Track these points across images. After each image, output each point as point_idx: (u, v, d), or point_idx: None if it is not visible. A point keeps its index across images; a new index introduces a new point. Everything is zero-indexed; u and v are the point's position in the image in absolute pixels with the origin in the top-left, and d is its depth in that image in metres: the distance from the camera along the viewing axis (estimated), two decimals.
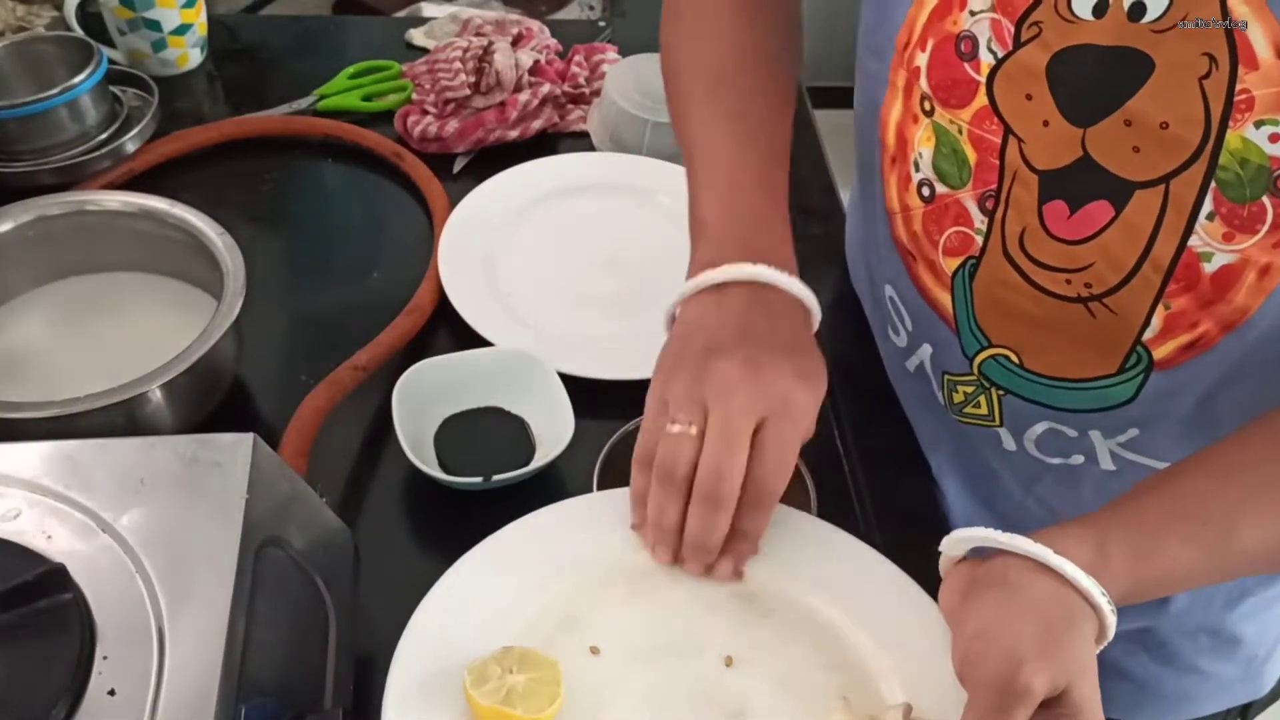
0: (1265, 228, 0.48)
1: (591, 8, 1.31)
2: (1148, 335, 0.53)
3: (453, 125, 0.91)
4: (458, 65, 0.94)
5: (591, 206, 0.88)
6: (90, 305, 0.73)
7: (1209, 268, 0.50)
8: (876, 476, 0.70)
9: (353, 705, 0.52)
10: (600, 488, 0.56)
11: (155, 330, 0.71)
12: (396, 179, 0.91)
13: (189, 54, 1.00)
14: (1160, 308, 0.52)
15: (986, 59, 0.52)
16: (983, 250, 0.57)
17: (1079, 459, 0.62)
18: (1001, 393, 0.62)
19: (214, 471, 0.46)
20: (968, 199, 0.57)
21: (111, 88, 0.87)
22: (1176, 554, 0.48)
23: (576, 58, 1.01)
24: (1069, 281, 0.54)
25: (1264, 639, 0.71)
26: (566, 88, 0.98)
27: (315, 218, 0.90)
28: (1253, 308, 0.50)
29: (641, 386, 0.70)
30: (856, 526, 0.67)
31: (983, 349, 0.61)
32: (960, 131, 0.55)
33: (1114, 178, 0.50)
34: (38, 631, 0.40)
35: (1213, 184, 0.48)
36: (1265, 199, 0.47)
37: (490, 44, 0.96)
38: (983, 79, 0.52)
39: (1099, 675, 0.67)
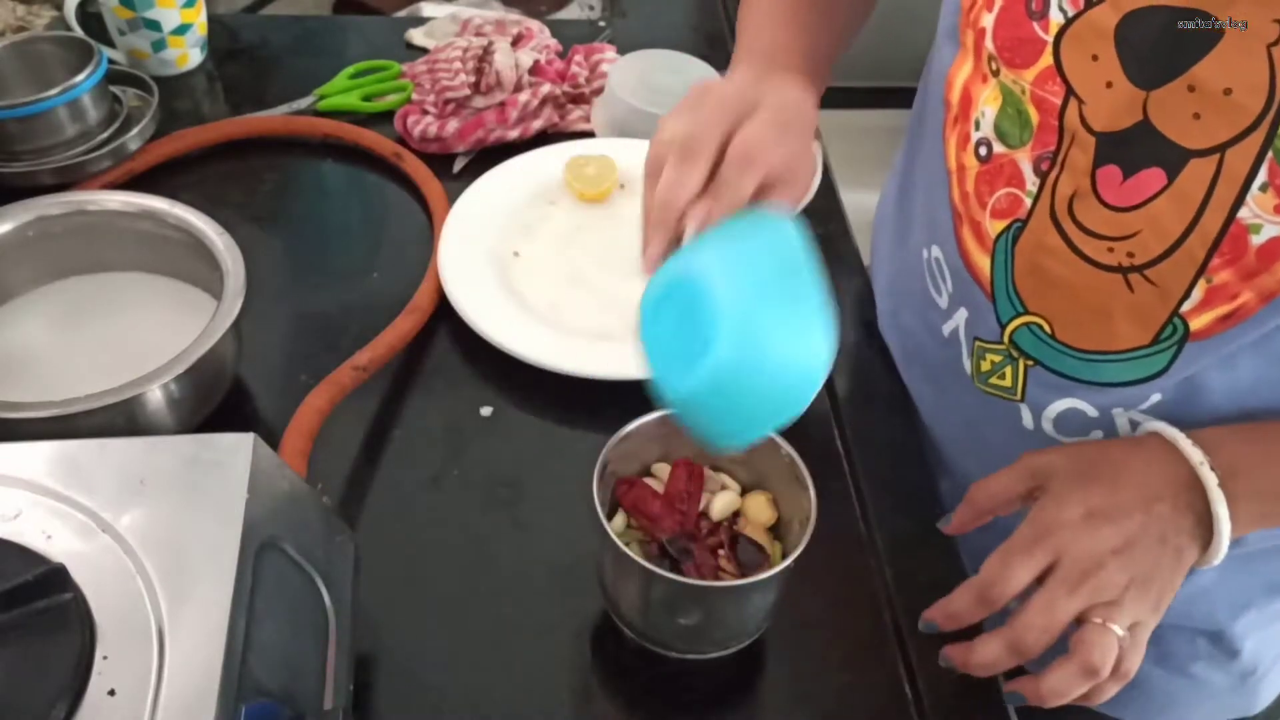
0: None
1: (591, 8, 1.31)
2: (1186, 307, 0.53)
3: (453, 125, 0.91)
4: (458, 65, 0.94)
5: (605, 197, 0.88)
6: (90, 305, 0.73)
7: (1256, 240, 0.49)
8: (876, 476, 0.70)
9: (353, 705, 0.52)
10: (599, 489, 0.55)
11: (155, 330, 0.71)
12: (396, 179, 0.91)
13: (189, 54, 1.00)
14: (1202, 281, 0.52)
15: (1056, 18, 0.52)
16: (1030, 213, 0.57)
17: (1097, 434, 0.62)
18: (1030, 363, 0.62)
19: (214, 471, 0.46)
20: (1024, 159, 0.57)
21: (111, 88, 0.87)
22: None
23: (576, 58, 1.01)
24: (1111, 250, 0.54)
25: (1262, 654, 0.71)
26: (566, 88, 0.98)
27: (315, 218, 0.90)
28: None
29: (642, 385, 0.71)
30: (856, 526, 0.67)
31: (1017, 315, 0.61)
32: (1024, 92, 0.55)
33: (1171, 144, 0.50)
34: (38, 631, 0.40)
35: (1269, 154, 0.47)
36: None
37: (490, 44, 0.96)
38: (1050, 38, 0.53)
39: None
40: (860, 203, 0.99)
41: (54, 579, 0.41)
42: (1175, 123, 0.50)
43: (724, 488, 0.61)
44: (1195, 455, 0.53)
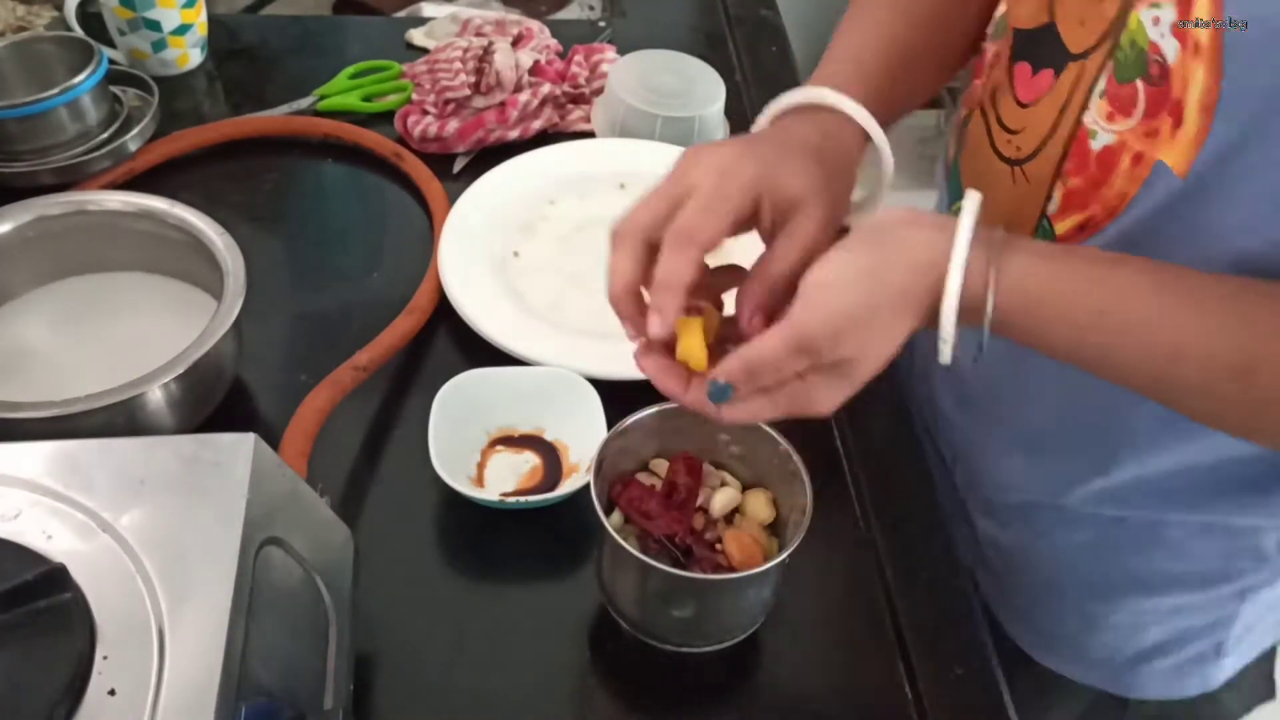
0: (1138, 113, 0.50)
1: (591, 8, 1.31)
2: (1051, 209, 0.56)
3: (453, 125, 0.91)
4: (458, 65, 0.94)
5: (593, 197, 0.88)
6: (90, 305, 0.73)
7: (1094, 145, 0.52)
8: (876, 476, 0.70)
9: (353, 705, 0.52)
10: (596, 483, 0.56)
11: (155, 330, 0.71)
12: (396, 179, 0.91)
13: (189, 54, 1.00)
14: (1059, 183, 0.55)
15: None
16: (979, 101, 0.62)
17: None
18: None
19: (214, 471, 0.46)
20: (993, 51, 0.61)
21: (111, 88, 0.87)
22: (1052, 325, 0.48)
23: (576, 58, 1.01)
24: (1009, 141, 0.58)
25: (1122, 648, 0.72)
26: (566, 88, 0.98)
27: (315, 218, 0.90)
28: (1129, 194, 0.51)
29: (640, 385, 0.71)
30: (856, 526, 0.67)
31: (953, 202, 0.65)
32: None
33: (1062, 46, 0.54)
34: (38, 631, 0.40)
35: (1111, 62, 0.50)
36: (1139, 83, 0.49)
37: (490, 44, 0.96)
38: None
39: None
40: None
41: (54, 579, 0.41)
42: (1069, 25, 0.53)
43: (724, 484, 0.61)
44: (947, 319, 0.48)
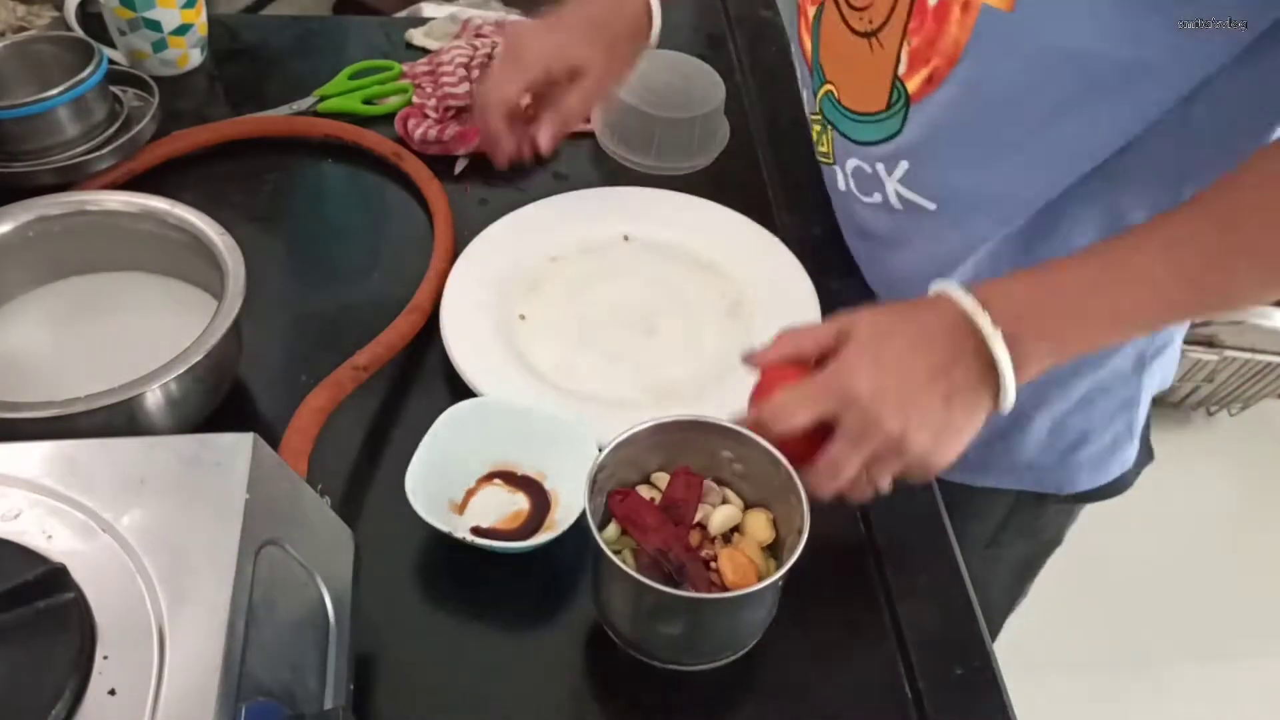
0: None
1: None
2: (901, 70, 0.64)
3: (452, 129, 0.91)
4: (462, 73, 0.94)
5: (596, 251, 0.85)
6: (90, 305, 0.73)
7: (931, 2, 0.60)
8: None
9: (353, 705, 0.52)
10: (591, 495, 0.55)
11: (155, 330, 0.71)
12: (396, 179, 0.91)
13: (189, 54, 1.00)
14: (905, 44, 0.63)
15: None
16: None
17: (878, 197, 0.73)
18: (831, 129, 0.74)
19: (214, 471, 0.46)
20: None
21: (112, 88, 0.87)
22: (1089, 331, 0.57)
23: None
24: (861, 17, 0.66)
25: (1050, 448, 0.79)
26: None
27: (315, 218, 0.90)
28: (963, 41, 0.59)
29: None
30: (855, 529, 0.67)
31: (820, 85, 0.73)
32: None
33: None
34: (38, 631, 0.40)
35: None
36: None
37: (493, 47, 0.95)
38: None
39: None
40: None
41: (54, 579, 0.41)
42: None
43: (725, 501, 0.60)
44: (972, 307, 0.55)
